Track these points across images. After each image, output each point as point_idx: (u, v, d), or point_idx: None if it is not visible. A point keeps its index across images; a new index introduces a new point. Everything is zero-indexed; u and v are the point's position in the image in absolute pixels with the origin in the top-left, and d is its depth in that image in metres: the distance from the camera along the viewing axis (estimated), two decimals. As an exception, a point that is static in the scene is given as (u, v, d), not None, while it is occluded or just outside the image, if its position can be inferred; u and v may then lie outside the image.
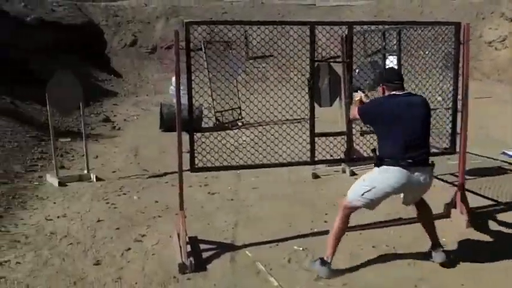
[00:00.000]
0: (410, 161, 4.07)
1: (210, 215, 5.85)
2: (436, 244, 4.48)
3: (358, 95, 4.93)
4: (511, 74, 18.50)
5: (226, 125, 11.53)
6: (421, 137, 4.21)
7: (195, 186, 6.89)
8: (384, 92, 4.42)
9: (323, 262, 4.27)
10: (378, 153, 4.28)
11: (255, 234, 5.18)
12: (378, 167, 4.22)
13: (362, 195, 4.21)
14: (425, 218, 4.55)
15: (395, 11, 24.38)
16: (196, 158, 4.86)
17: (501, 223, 5.42)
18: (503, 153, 8.33)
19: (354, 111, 4.62)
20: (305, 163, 5.26)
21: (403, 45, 6.46)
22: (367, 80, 6.36)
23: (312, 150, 5.09)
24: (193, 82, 4.80)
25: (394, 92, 4.32)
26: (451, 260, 4.43)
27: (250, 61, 12.16)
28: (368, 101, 4.81)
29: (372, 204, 4.27)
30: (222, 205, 6.20)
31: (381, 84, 4.45)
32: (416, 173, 4.10)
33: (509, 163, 7.84)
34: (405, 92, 4.38)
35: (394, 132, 4.18)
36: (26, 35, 16.11)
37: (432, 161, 4.33)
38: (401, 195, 4.36)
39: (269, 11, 25.21)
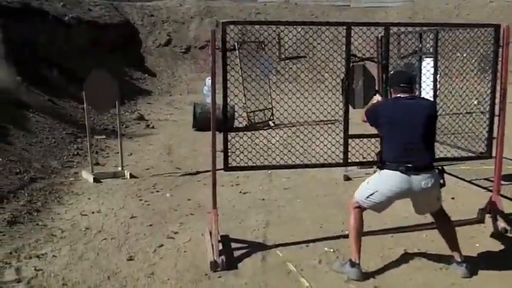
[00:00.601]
0: (409, 165, 4.04)
1: (242, 214, 5.90)
2: (456, 257, 4.34)
3: (375, 98, 4.93)
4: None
5: (258, 125, 11.56)
6: (422, 141, 4.14)
7: (227, 185, 6.94)
8: (391, 95, 4.44)
9: (352, 264, 4.26)
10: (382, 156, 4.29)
11: (286, 235, 5.20)
12: (381, 170, 4.25)
13: (367, 197, 4.26)
14: (444, 230, 4.43)
15: (430, 12, 23.98)
16: (229, 158, 4.90)
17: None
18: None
19: (363, 113, 4.63)
20: (337, 165, 5.24)
21: (439, 47, 6.37)
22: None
23: (345, 151, 5.07)
24: (227, 82, 4.84)
25: (398, 95, 4.32)
26: (473, 272, 4.31)
27: (283, 62, 12.15)
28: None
29: (377, 207, 4.31)
30: (254, 205, 6.23)
31: (390, 87, 4.48)
32: (416, 178, 4.06)
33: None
34: (411, 95, 4.33)
35: (393, 136, 4.21)
36: (63, 33, 16.48)
37: (441, 166, 4.29)
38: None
39: (302, 12, 25.11)
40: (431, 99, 6.31)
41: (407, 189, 4.10)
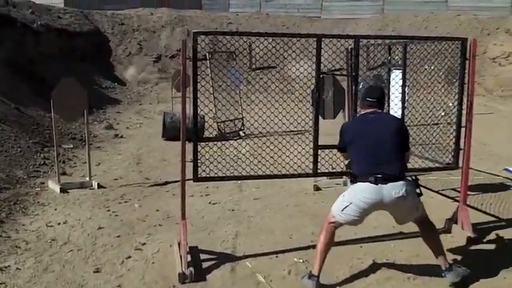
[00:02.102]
0: (379, 176, 4.13)
1: (211, 225, 5.84)
2: (441, 265, 4.38)
3: None
4: (515, 90, 18.48)
5: (228, 135, 11.53)
6: (389, 155, 4.23)
7: (196, 195, 6.88)
8: (361, 111, 4.60)
9: (310, 276, 4.25)
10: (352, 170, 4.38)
11: (256, 245, 5.18)
12: (353, 183, 4.32)
13: (342, 210, 4.27)
14: (427, 237, 4.48)
15: (400, 25, 24.32)
16: (199, 168, 4.86)
17: (502, 239, 5.39)
18: (506, 169, 8.30)
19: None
20: (307, 175, 5.26)
21: (408, 59, 6.47)
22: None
23: (315, 162, 5.08)
24: (198, 92, 4.82)
25: (363, 112, 4.49)
26: (460, 275, 4.32)
27: (254, 72, 12.19)
28: None
29: (353, 220, 4.31)
30: (223, 215, 6.18)
31: (360, 102, 4.64)
32: (386, 188, 4.12)
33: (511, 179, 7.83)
34: (375, 110, 4.43)
35: (359, 150, 4.35)
36: (32, 41, 16.19)
37: (415, 176, 4.37)
38: None
39: (274, 22, 25.19)
40: (400, 110, 6.41)
41: (379, 199, 4.15)
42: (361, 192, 4.19)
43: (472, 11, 24.30)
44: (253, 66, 13.15)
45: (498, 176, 7.95)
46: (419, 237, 5.22)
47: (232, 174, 5.34)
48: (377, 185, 4.12)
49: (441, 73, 6.22)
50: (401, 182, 4.16)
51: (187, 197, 4.92)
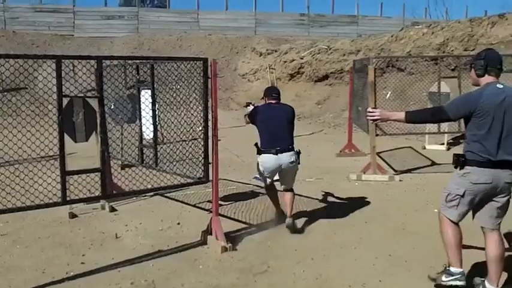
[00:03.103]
0: (278, 148, 6.04)
1: None
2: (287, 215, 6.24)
3: (248, 109, 6.61)
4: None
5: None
6: (284, 132, 6.14)
7: None
8: (265, 102, 6.45)
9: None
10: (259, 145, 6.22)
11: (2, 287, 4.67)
12: (259, 155, 6.21)
13: (263, 176, 6.30)
14: (283, 196, 6.44)
15: (156, 43, 24.73)
16: None
17: (253, 243, 5.80)
18: (255, 178, 8.98)
19: (246, 118, 6.59)
20: (55, 204, 4.91)
21: (160, 79, 6.58)
22: (120, 115, 6.35)
23: (63, 189, 4.79)
24: None
25: (269, 101, 6.39)
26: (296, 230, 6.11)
27: (0, 94, 11.14)
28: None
29: (268, 179, 6.33)
30: (-40, 261, 5.42)
31: (265, 97, 6.47)
32: (283, 157, 6.05)
33: (260, 187, 8.51)
34: (277, 102, 6.38)
35: (265, 129, 6.18)
36: None
37: (298, 149, 6.26)
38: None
39: (22, 41, 23.36)
40: (152, 127, 6.49)
41: (279, 164, 6.08)
42: (268, 161, 6.09)
43: (222, 31, 26.10)
44: (0, 88, 12.06)
45: (249, 184, 8.59)
46: (177, 252, 5.41)
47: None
48: (277, 155, 6.03)
49: (190, 91, 6.46)
50: (292, 152, 6.13)
51: None
